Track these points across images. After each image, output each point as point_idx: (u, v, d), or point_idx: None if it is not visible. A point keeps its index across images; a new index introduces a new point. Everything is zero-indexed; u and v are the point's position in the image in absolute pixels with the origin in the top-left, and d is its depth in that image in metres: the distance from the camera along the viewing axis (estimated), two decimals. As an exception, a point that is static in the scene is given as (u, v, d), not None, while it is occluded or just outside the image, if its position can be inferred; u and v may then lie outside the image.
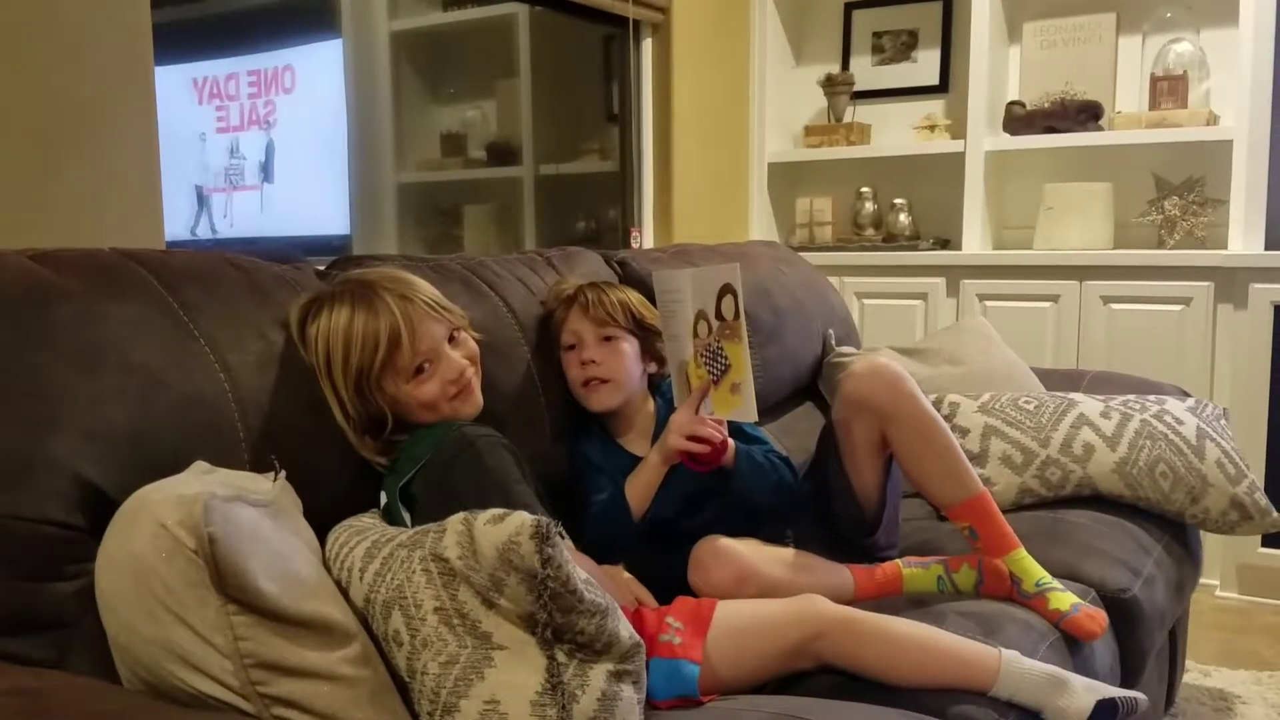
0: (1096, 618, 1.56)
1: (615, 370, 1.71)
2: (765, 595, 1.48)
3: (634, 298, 1.77)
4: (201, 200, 2.47)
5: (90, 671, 1.03)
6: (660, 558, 1.64)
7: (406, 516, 1.29)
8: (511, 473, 1.30)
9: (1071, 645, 1.55)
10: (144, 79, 1.77)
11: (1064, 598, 1.57)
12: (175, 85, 2.41)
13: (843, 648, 1.33)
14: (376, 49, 2.86)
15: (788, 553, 1.62)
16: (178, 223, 2.36)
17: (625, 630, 1.08)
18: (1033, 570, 1.60)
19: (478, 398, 1.47)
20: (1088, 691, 1.35)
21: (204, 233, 2.46)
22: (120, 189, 1.74)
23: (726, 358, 1.57)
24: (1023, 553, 1.61)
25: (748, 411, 1.56)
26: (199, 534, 0.95)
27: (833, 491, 1.72)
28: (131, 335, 1.18)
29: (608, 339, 1.72)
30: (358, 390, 1.36)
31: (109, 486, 1.08)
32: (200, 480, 1.07)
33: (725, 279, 1.54)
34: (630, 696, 1.06)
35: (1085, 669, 1.50)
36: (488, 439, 1.33)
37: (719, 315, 1.56)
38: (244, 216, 2.49)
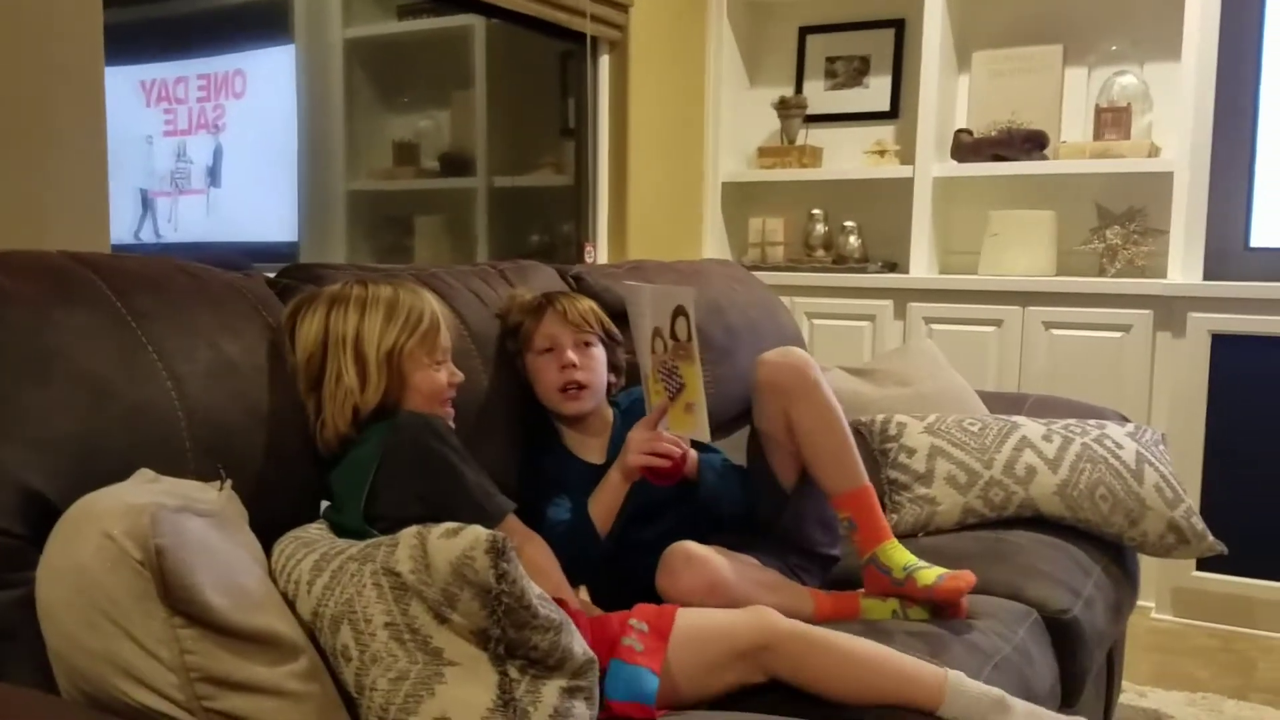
0: (962, 576, 1.58)
1: (594, 375, 1.73)
2: (729, 607, 1.49)
3: (597, 306, 1.80)
4: (146, 203, 2.42)
5: (31, 683, 1.00)
6: (617, 566, 1.63)
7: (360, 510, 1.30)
8: (463, 453, 1.38)
9: (1016, 666, 1.56)
10: (94, 81, 1.74)
11: (930, 573, 1.59)
12: (123, 87, 2.37)
13: (792, 659, 1.34)
14: (330, 56, 2.83)
15: (755, 570, 1.63)
16: (121, 226, 2.32)
17: (579, 646, 1.08)
18: (899, 558, 1.63)
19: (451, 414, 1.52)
20: (1029, 717, 1.37)
21: (148, 236, 2.42)
22: (67, 191, 1.71)
23: (681, 377, 1.58)
24: (892, 543, 1.64)
25: (702, 431, 1.59)
26: (146, 545, 0.93)
27: (754, 475, 1.77)
28: (80, 343, 1.16)
29: (586, 344, 1.74)
30: (387, 357, 1.40)
31: (53, 495, 1.06)
32: (147, 489, 1.05)
33: (679, 300, 1.55)
34: (583, 713, 1.05)
35: (1026, 689, 1.52)
36: (441, 422, 1.41)
37: (673, 335, 1.57)
38: (189, 221, 2.45)
